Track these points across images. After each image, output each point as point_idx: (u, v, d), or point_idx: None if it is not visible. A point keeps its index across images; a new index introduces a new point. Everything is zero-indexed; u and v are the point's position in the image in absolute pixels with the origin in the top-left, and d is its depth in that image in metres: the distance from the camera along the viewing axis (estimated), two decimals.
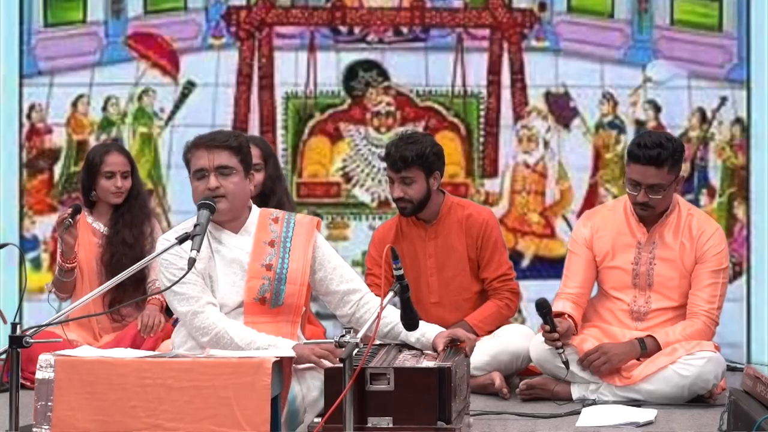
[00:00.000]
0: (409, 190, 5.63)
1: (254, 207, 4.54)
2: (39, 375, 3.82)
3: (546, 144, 7.08)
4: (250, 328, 4.34)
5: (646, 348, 5.22)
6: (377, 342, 4.36)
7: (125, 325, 5.81)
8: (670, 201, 5.33)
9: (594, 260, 5.45)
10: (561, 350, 5.20)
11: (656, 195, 5.23)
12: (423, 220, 5.76)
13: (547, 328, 5.19)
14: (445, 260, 5.73)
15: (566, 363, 5.19)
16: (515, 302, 5.78)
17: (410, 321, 4.11)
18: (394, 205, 5.81)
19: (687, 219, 5.36)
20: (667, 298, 5.35)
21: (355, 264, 6.81)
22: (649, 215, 5.32)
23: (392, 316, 4.37)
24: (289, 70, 7.11)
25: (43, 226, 7.07)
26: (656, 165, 5.19)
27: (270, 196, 5.79)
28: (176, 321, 4.55)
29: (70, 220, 5.61)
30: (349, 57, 7.13)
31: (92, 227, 5.89)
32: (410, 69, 7.11)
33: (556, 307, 5.31)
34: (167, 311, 5.80)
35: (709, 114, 7.04)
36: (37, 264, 7.06)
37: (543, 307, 5.19)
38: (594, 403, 5.16)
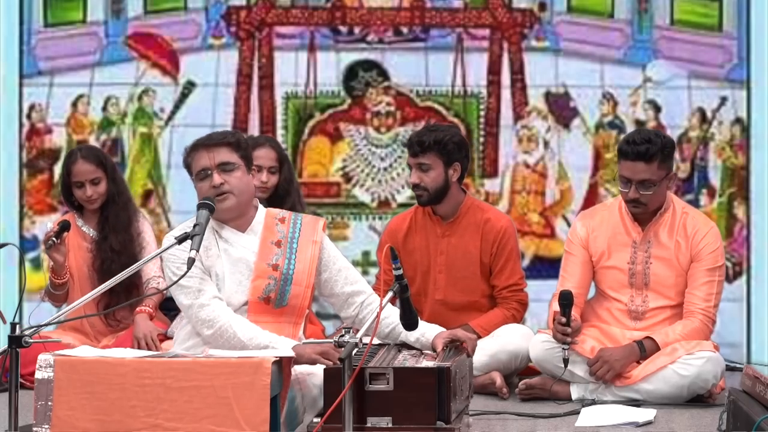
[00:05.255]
0: (425, 177, 5.56)
1: (260, 206, 4.54)
2: (38, 375, 3.82)
3: (546, 144, 7.08)
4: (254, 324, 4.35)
5: (645, 351, 5.21)
6: (377, 342, 4.36)
7: (121, 328, 5.78)
8: (663, 198, 5.32)
9: (590, 260, 5.43)
10: (567, 347, 5.19)
11: (647, 191, 5.22)
12: (440, 215, 5.70)
13: (563, 320, 5.17)
14: (456, 260, 5.67)
15: (566, 361, 5.18)
16: (522, 313, 5.74)
17: (409, 321, 4.11)
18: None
19: (682, 218, 5.36)
20: (664, 297, 5.35)
21: (354, 264, 6.80)
22: (642, 212, 5.32)
23: (393, 316, 4.37)
24: (289, 70, 7.11)
25: (43, 226, 7.06)
26: (645, 160, 5.19)
27: (284, 197, 5.76)
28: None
29: (53, 239, 5.51)
30: (349, 57, 7.12)
31: (82, 231, 5.83)
32: (410, 69, 7.11)
33: (553, 308, 5.31)
34: (162, 306, 5.78)
35: (709, 114, 7.04)
36: (37, 264, 7.06)
37: (565, 299, 5.17)
38: (593, 402, 5.16)
